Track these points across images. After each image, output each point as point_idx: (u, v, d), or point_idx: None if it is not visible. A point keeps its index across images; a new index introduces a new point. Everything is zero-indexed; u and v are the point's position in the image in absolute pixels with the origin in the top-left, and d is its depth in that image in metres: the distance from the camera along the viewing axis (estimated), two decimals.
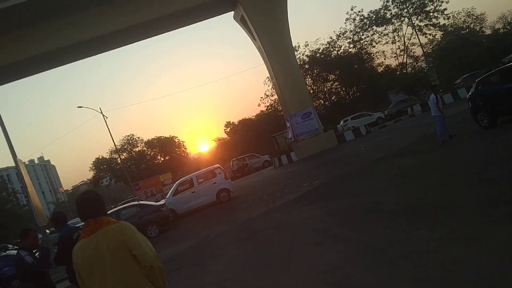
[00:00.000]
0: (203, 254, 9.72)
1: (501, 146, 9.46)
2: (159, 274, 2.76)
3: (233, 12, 31.39)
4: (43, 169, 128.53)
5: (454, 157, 10.14)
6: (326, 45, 49.86)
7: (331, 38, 51.08)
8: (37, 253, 5.47)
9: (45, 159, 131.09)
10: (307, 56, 48.82)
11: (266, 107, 55.34)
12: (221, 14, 32.34)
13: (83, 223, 2.88)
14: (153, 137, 62.34)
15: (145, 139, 62.37)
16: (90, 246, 2.75)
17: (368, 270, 5.01)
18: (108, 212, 16.90)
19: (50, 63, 29.35)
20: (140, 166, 59.65)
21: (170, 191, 20.84)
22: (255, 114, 60.24)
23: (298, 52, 46.05)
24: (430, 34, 47.91)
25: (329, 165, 19.09)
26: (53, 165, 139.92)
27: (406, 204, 7.27)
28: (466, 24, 50.45)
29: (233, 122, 63.54)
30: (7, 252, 20.40)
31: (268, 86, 52.92)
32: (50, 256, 5.27)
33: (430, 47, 49.20)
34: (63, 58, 29.40)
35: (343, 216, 8.19)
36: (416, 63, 49.64)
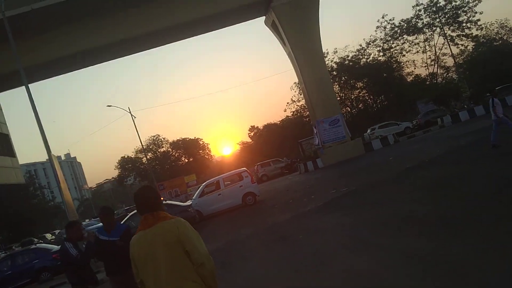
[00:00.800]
0: (231, 255, 9.74)
1: None
2: (209, 273, 2.82)
3: (264, 17, 31.56)
4: (69, 166, 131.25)
5: (489, 170, 9.90)
6: (355, 52, 49.57)
7: (360, 45, 50.69)
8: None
9: (72, 156, 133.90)
10: (335, 63, 48.62)
11: (292, 113, 55.32)
12: (253, 18, 32.58)
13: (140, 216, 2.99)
14: (178, 138, 62.97)
15: (170, 140, 63.01)
16: (146, 239, 2.85)
17: (405, 277, 4.96)
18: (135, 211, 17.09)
19: (85, 61, 30.07)
20: (164, 167, 60.24)
21: (197, 192, 21.01)
22: (280, 119, 60.28)
23: (327, 58, 45.87)
24: (462, 45, 47.09)
25: (357, 173, 18.91)
26: (79, 162, 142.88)
27: (440, 215, 7.16)
28: (499, 35, 49.33)
29: (257, 127, 63.76)
30: (37, 245, 20.90)
31: (295, 91, 52.90)
32: (93, 250, 5.37)
33: (461, 57, 48.32)
34: (97, 57, 30.07)
35: (375, 224, 8.10)
36: (447, 74, 48.79)
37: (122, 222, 17.45)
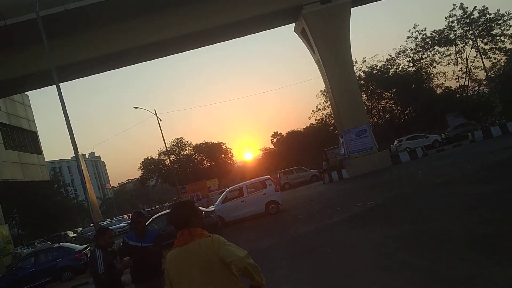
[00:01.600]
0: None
1: None
2: (253, 271, 2.71)
3: (294, 24, 31.40)
4: (93, 165, 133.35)
5: None
6: (385, 62, 48.92)
7: (390, 55, 49.96)
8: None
9: (96, 155, 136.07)
10: (363, 72, 48.07)
11: (316, 121, 54.86)
12: (282, 25, 32.48)
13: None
14: (201, 142, 63.22)
15: (194, 143, 63.31)
16: (182, 256, 2.78)
17: None
18: (160, 214, 17.05)
19: (115, 63, 30.46)
20: (186, 170, 60.53)
21: (220, 198, 20.89)
22: (304, 127, 59.87)
23: (355, 67, 45.35)
24: (494, 58, 45.92)
25: (384, 186, 18.46)
26: (103, 162, 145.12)
27: (480, 236, 6.78)
28: None
29: (280, 133, 63.46)
30: (61, 244, 21.08)
31: (321, 99, 52.45)
32: (120, 276, 5.24)
33: (493, 71, 47.14)
34: (127, 59, 30.41)
35: (408, 242, 7.75)
36: (478, 87, 47.62)
37: (149, 222, 17.50)
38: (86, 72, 31.15)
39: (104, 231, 5.39)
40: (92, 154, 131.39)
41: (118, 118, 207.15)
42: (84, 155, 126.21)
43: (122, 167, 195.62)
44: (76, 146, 15.37)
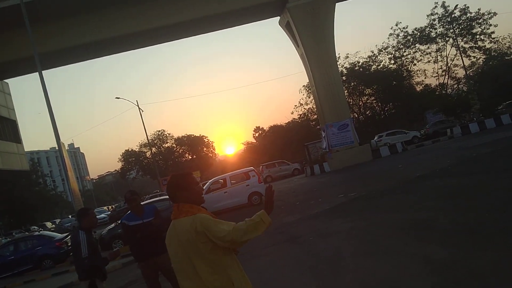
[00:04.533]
0: (240, 254, 9.53)
1: None
2: (244, 237, 2.65)
3: (279, 17, 31.45)
4: (72, 156, 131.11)
5: (504, 182, 9.66)
6: (367, 58, 49.46)
7: (372, 52, 50.52)
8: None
9: (75, 146, 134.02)
10: (345, 68, 48.48)
11: (298, 116, 55.17)
12: (267, 18, 32.51)
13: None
14: (183, 134, 62.92)
15: (175, 135, 62.97)
16: (172, 230, 2.78)
17: (434, 286, 4.77)
18: (142, 203, 16.96)
19: (97, 52, 30.08)
20: (167, 162, 60.25)
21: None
22: (285, 122, 60.15)
23: (338, 63, 45.80)
24: (474, 57, 46.87)
25: (365, 179, 18.73)
26: (82, 153, 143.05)
27: (462, 224, 6.97)
28: (511, 50, 49.04)
29: (262, 128, 63.63)
30: (41, 232, 20.81)
31: (303, 94, 52.77)
32: (106, 264, 5.18)
33: (472, 70, 48.10)
34: (110, 48, 30.06)
35: (391, 230, 7.91)
36: (458, 85, 48.55)
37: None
38: (67, 60, 30.67)
39: (86, 211, 5.16)
40: (71, 145, 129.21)
41: (98, 108, 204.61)
42: (64, 145, 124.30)
43: (102, 159, 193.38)
44: (58, 134, 15.18)
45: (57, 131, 15.30)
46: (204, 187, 20.94)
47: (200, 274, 2.62)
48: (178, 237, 2.68)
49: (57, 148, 16.51)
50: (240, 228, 2.66)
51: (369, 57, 49.59)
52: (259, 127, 64.02)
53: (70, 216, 52.12)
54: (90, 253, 4.80)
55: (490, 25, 44.45)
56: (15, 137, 33.74)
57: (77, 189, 16.18)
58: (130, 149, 62.64)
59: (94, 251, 4.94)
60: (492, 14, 43.99)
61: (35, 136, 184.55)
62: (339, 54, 55.64)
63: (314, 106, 42.74)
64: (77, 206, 14.90)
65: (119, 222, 17.92)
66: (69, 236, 16.47)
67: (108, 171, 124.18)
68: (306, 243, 8.84)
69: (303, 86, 50.58)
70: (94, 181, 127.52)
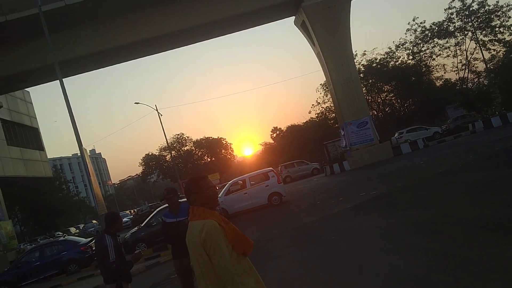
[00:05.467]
0: (261, 254, 9.55)
1: None
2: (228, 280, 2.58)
3: (294, 17, 31.38)
4: (94, 162, 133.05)
5: None
6: (384, 55, 48.97)
7: (389, 48, 50.02)
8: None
9: (97, 152, 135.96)
10: (363, 65, 48.08)
11: (316, 115, 54.95)
12: (282, 18, 32.44)
13: None
14: (202, 137, 63.34)
15: (194, 138, 63.46)
16: (189, 231, 2.78)
17: (457, 281, 4.71)
18: (162, 207, 17.03)
19: (116, 58, 30.44)
20: (187, 165, 60.71)
21: (223, 190, 20.97)
22: (303, 121, 59.97)
23: (355, 60, 45.47)
24: (493, 50, 45.98)
25: (386, 176, 18.52)
26: (104, 158, 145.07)
27: (486, 219, 6.84)
28: None
29: (280, 128, 63.56)
30: (66, 237, 21.18)
31: (320, 93, 52.55)
32: (131, 267, 5.23)
33: (492, 63, 47.20)
34: (128, 54, 30.37)
35: (415, 227, 7.82)
36: (478, 79, 47.69)
37: (148, 219, 17.59)
38: (87, 67, 31.12)
39: (117, 216, 5.22)
40: (92, 151, 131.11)
41: (118, 114, 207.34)
42: (86, 150, 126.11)
43: (123, 164, 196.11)
44: (80, 140, 15.41)
45: (79, 137, 15.53)
46: (223, 189, 21.05)
47: (207, 280, 2.64)
48: (192, 239, 2.69)
49: (79, 154, 16.75)
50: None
51: (386, 53, 49.15)
52: (276, 127, 64.05)
53: (93, 221, 52.90)
54: (117, 257, 4.87)
55: (509, 17, 43.59)
56: (38, 144, 34.45)
57: (100, 194, 16.41)
58: (150, 153, 63.39)
59: (120, 255, 5.00)
60: (511, 6, 43.12)
61: (57, 143, 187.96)
62: (356, 51, 55.27)
63: (332, 105, 42.52)
64: (100, 211, 15.09)
65: (141, 225, 18.18)
66: (94, 241, 16.71)
67: (129, 176, 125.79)
68: (327, 242, 8.79)
69: (320, 84, 50.43)
70: (116, 185, 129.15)
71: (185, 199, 3.85)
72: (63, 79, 15.76)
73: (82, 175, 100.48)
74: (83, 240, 18.18)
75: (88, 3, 24.12)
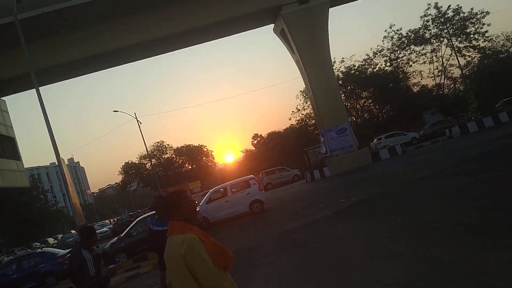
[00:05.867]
0: (242, 262, 9.50)
1: None
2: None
3: (273, 24, 31.59)
4: (72, 170, 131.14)
5: (508, 181, 9.65)
6: (362, 62, 49.64)
7: (367, 55, 50.73)
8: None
9: (75, 161, 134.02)
10: (341, 72, 48.62)
11: (296, 121, 55.24)
12: (262, 26, 32.63)
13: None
14: (182, 144, 62.91)
15: (175, 146, 62.98)
16: (168, 246, 2.75)
17: (443, 286, 4.75)
18: (142, 217, 16.84)
19: (93, 66, 30.15)
20: (167, 173, 60.15)
21: (204, 198, 20.87)
22: (284, 128, 60.21)
23: (334, 67, 45.99)
24: (469, 56, 47.10)
25: (366, 182, 18.71)
26: (82, 167, 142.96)
27: (466, 224, 6.93)
28: (505, 47, 49.29)
29: (261, 135, 63.62)
30: (43, 249, 20.73)
31: (300, 100, 52.87)
32: (109, 282, 5.16)
33: (468, 69, 48.30)
34: (105, 62, 30.11)
35: (395, 233, 7.89)
36: (454, 85, 48.74)
37: (128, 229, 17.35)
38: (64, 75, 30.71)
39: (92, 230, 5.17)
40: (71, 160, 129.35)
41: (97, 122, 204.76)
42: (64, 160, 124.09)
43: (102, 172, 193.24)
44: (57, 150, 15.17)
45: (56, 147, 15.30)
46: (205, 197, 20.94)
47: None
48: (171, 254, 2.66)
49: (57, 163, 16.47)
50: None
51: (364, 60, 49.86)
52: (257, 134, 64.07)
53: (72, 231, 52.01)
54: (96, 271, 4.81)
55: (484, 24, 44.78)
56: (14, 154, 33.65)
57: (79, 204, 16.13)
58: (130, 162, 62.59)
59: (98, 269, 4.94)
60: (485, 13, 44.32)
61: (35, 152, 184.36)
62: (334, 58, 55.88)
63: (312, 111, 42.81)
64: (78, 221, 14.86)
65: (121, 235, 17.91)
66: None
67: (109, 184, 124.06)
68: (310, 249, 8.80)
69: (300, 91, 50.77)
70: (95, 194, 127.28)
71: None
72: (40, 88, 15.56)
73: (60, 184, 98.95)
74: (61, 251, 17.80)
75: (65, 11, 23.83)
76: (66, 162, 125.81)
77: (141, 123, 41.83)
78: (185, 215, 2.77)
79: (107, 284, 5.04)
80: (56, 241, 47.35)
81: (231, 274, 2.80)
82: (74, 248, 5.16)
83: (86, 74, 32.34)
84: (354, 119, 50.87)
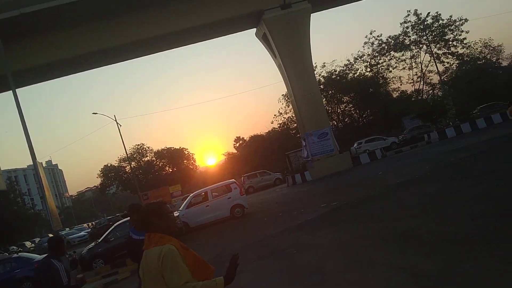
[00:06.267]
0: (222, 269, 9.36)
1: None
2: None
3: (255, 28, 31.62)
4: (50, 173, 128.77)
5: (483, 188, 9.78)
6: (343, 67, 50.08)
7: (348, 60, 51.22)
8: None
9: (53, 163, 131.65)
10: (323, 77, 48.97)
11: (278, 125, 55.36)
12: (244, 30, 32.59)
13: None
14: (163, 147, 62.39)
15: (155, 149, 62.40)
16: (144, 260, 2.68)
17: None
18: (121, 221, 16.59)
19: (71, 68, 29.67)
20: (147, 176, 59.53)
21: (184, 203, 20.69)
22: (266, 131, 60.30)
23: (315, 72, 46.25)
24: (447, 62, 48.01)
25: (346, 187, 18.84)
26: (61, 170, 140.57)
27: (443, 232, 7.01)
28: (483, 54, 50.40)
29: (243, 138, 63.54)
30: (20, 254, 20.25)
31: (282, 104, 53.05)
32: None
33: (446, 75, 49.20)
34: (84, 64, 29.67)
35: (374, 241, 7.90)
36: (433, 91, 49.58)
37: (106, 234, 17.08)
38: (43, 77, 30.17)
39: (60, 240, 5.10)
40: (49, 162, 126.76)
41: (76, 124, 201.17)
42: (40, 163, 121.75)
43: (81, 175, 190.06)
44: (34, 153, 14.87)
45: (32, 149, 15.00)
46: (185, 202, 20.77)
47: None
48: (148, 268, 2.59)
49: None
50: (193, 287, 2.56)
51: (345, 65, 50.31)
52: (239, 137, 63.93)
53: (49, 235, 51.00)
54: (68, 279, 4.75)
55: (462, 31, 45.74)
56: None
57: (55, 208, 15.80)
58: (109, 164, 61.74)
59: (69, 278, 4.88)
60: (463, 21, 45.25)
61: (13, 154, 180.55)
62: (316, 63, 56.25)
63: (294, 115, 42.99)
64: (55, 226, 14.56)
65: (99, 241, 17.63)
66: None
67: (88, 187, 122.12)
68: (290, 256, 8.78)
69: (282, 95, 50.92)
70: (74, 197, 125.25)
71: None
72: (18, 89, 15.23)
73: (38, 187, 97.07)
74: (38, 256, 17.39)
75: (42, 12, 23.41)
76: (44, 165, 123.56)
77: (120, 125, 41.40)
78: (164, 228, 2.72)
79: None
80: (33, 245, 46.40)
81: None
82: (42, 259, 5.04)
83: (65, 76, 31.83)
84: (335, 123, 51.24)
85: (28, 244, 46.33)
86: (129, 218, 5.54)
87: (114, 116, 41.81)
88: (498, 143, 17.69)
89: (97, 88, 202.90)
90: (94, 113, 40.02)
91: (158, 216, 2.73)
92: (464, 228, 6.89)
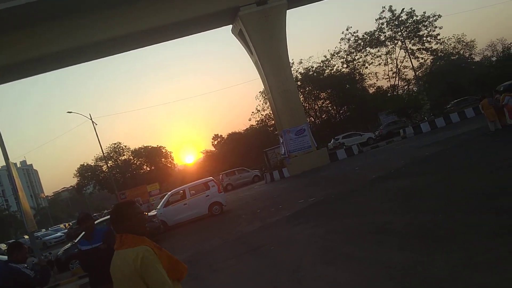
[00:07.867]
0: (200, 267, 9.43)
1: None
2: None
3: (231, 25, 31.54)
4: (25, 174, 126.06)
5: (457, 181, 10.01)
6: (320, 63, 50.35)
7: (325, 56, 51.52)
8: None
9: (28, 163, 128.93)
10: (300, 73, 49.17)
11: (256, 122, 55.41)
12: (219, 26, 32.55)
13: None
14: (140, 146, 61.81)
15: (132, 147, 61.81)
16: (115, 262, 2.63)
17: None
18: (99, 220, 16.38)
19: (44, 66, 29.10)
20: (125, 175, 58.96)
21: (162, 201, 20.54)
22: (244, 128, 60.28)
23: (292, 69, 46.41)
24: (422, 58, 48.79)
25: (324, 183, 19.00)
26: (36, 170, 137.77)
27: (417, 226, 7.13)
28: (456, 50, 51.39)
29: (221, 135, 63.47)
30: None
31: (260, 101, 53.09)
32: (50, 275, 4.97)
33: (421, 71, 50.03)
34: (59, 62, 29.13)
35: (350, 235, 8.01)
36: (408, 86, 50.33)
37: (83, 234, 16.82)
38: (15, 76, 29.49)
39: (21, 246, 4.96)
40: (23, 162, 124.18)
41: (51, 123, 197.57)
42: (15, 164, 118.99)
43: (57, 175, 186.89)
44: (7, 153, 14.48)
45: (5, 149, 14.59)
46: (163, 200, 20.61)
47: None
48: (121, 268, 2.54)
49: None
50: None
51: (322, 61, 50.59)
52: (217, 134, 63.92)
53: (25, 237, 49.97)
54: (35, 273, 4.74)
55: (436, 27, 46.59)
56: None
57: (29, 210, 15.37)
58: (85, 164, 60.86)
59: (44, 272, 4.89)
60: (437, 17, 46.05)
61: None
62: (292, 59, 56.46)
63: (271, 112, 43.11)
64: (29, 228, 14.20)
65: (75, 241, 17.34)
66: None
67: (64, 187, 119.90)
68: (267, 253, 8.81)
69: (259, 92, 50.98)
70: (50, 198, 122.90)
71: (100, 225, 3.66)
72: None
73: (12, 187, 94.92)
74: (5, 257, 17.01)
75: (16, 9, 22.89)
76: (19, 165, 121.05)
77: (96, 124, 40.73)
78: (134, 228, 2.66)
79: (50, 275, 4.98)
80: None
81: (189, 279, 2.72)
82: (2, 265, 4.94)
83: (38, 74, 31.19)
84: (313, 119, 51.54)
85: (2, 246, 45.24)
86: (82, 228, 5.39)
87: (90, 114, 41.07)
88: (471, 137, 18.08)
89: (72, 86, 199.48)
90: (69, 112, 39.20)
91: (128, 217, 2.68)
92: (437, 222, 7.03)
